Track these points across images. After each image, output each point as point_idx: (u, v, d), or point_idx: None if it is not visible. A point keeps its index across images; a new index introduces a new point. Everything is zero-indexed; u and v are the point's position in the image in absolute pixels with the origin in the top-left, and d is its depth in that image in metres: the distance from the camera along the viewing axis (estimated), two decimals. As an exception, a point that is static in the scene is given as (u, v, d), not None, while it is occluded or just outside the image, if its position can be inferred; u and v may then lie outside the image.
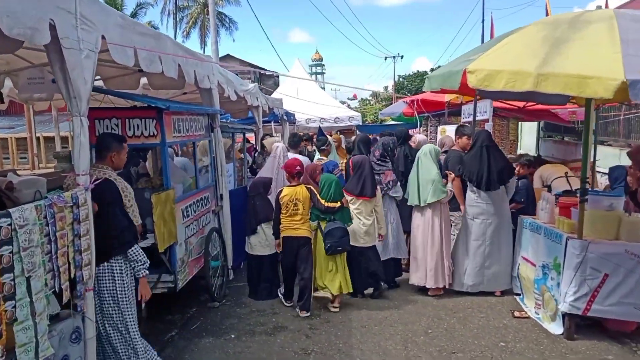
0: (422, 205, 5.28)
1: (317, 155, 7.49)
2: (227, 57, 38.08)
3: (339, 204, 4.97)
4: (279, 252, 5.25)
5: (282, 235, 5.07)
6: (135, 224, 3.49)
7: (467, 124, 6.03)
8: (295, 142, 7.37)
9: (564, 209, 4.65)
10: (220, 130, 5.95)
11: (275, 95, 14.87)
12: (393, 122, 15.62)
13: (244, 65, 34.16)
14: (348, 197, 5.18)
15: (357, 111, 21.39)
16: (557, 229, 4.51)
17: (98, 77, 5.92)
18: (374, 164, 5.51)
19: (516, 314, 4.86)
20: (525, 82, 3.41)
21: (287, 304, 5.20)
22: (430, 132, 9.11)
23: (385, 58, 51.88)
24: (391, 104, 42.89)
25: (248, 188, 5.77)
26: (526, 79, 3.40)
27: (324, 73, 66.01)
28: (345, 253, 5.03)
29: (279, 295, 5.33)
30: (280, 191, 5.11)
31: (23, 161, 11.68)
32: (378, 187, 5.33)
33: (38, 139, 10.59)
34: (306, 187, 5.03)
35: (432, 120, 9.19)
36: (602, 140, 10.78)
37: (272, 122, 12.57)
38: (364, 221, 5.23)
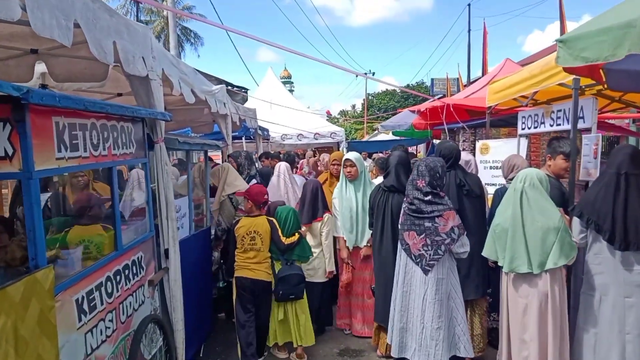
0: (536, 272, 3.14)
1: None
2: (192, 71, 35.65)
3: (297, 237, 4.35)
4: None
5: (235, 275, 4.27)
6: None
7: (563, 136, 3.94)
8: (290, 160, 6.52)
9: None
10: (168, 148, 3.72)
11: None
12: (393, 138, 13.56)
13: (211, 79, 31.81)
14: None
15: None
16: None
17: (-34, 62, 3.67)
18: (419, 202, 3.37)
19: None
20: None
21: None
22: (463, 149, 7.02)
23: (357, 75, 51.01)
24: (362, 122, 41.34)
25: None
26: None
27: (292, 90, 64.39)
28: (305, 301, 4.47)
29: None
30: (237, 221, 4.34)
31: None
32: (325, 214, 4.77)
33: None
34: (268, 220, 4.31)
35: (467, 133, 7.06)
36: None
37: (244, 138, 10.35)
38: None
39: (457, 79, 19.82)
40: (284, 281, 4.23)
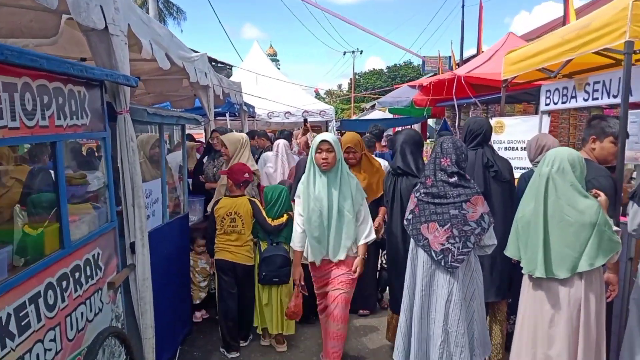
0: (565, 275, 2.59)
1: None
2: (174, 46, 34.35)
3: (285, 218, 4.03)
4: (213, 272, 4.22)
5: (215, 257, 4.04)
6: None
7: (608, 116, 3.34)
8: (285, 137, 6.20)
9: None
10: (134, 120, 3.07)
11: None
12: (388, 116, 12.81)
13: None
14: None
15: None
16: None
17: None
18: (443, 185, 2.83)
19: None
20: None
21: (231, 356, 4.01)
22: None
23: (344, 53, 50.70)
24: (349, 101, 40.37)
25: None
26: None
27: (278, 69, 63.21)
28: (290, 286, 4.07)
29: (221, 350, 4.08)
30: (217, 202, 4.08)
31: None
32: None
33: None
34: (249, 200, 4.04)
35: (477, 109, 6.40)
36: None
37: (227, 115, 9.64)
38: None
39: (450, 57, 19.14)
40: (267, 262, 3.95)
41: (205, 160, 5.34)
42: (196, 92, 5.98)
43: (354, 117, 29.01)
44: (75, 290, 2.34)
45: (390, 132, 15.20)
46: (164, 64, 3.94)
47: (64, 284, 2.24)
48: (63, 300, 2.21)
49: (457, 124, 6.66)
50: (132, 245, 3.03)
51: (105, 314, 2.67)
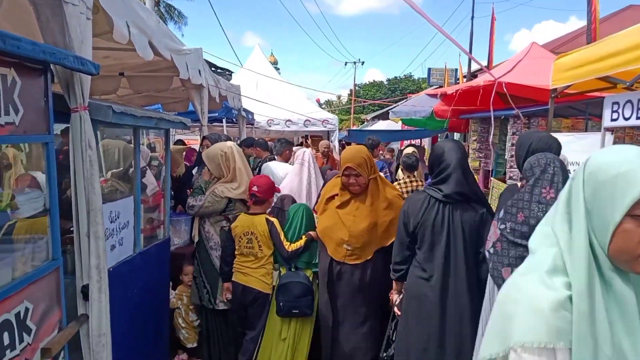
0: None
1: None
2: (173, 50, 33.75)
3: (304, 241, 3.51)
4: (226, 299, 3.64)
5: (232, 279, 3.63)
6: None
7: None
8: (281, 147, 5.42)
9: None
10: (95, 121, 2.29)
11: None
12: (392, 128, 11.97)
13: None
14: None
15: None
16: None
17: None
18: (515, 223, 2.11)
19: None
20: None
21: None
22: (512, 145, 5.50)
23: (346, 63, 50.45)
24: (348, 112, 39.82)
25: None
26: None
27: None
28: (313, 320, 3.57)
29: None
30: (235, 218, 3.61)
31: None
32: None
33: None
34: (267, 220, 3.52)
35: (519, 122, 5.51)
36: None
37: (224, 121, 8.86)
38: None
39: (457, 69, 18.50)
40: (283, 290, 3.48)
41: (194, 172, 4.56)
42: (188, 92, 5.22)
43: (354, 128, 28.34)
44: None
45: (396, 145, 14.53)
46: (146, 53, 3.19)
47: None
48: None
49: (490, 140, 5.87)
50: (85, 288, 2.25)
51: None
